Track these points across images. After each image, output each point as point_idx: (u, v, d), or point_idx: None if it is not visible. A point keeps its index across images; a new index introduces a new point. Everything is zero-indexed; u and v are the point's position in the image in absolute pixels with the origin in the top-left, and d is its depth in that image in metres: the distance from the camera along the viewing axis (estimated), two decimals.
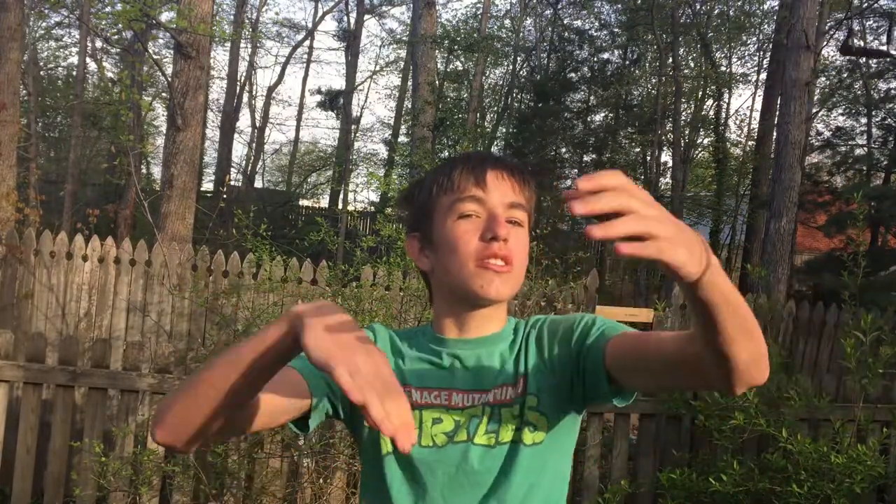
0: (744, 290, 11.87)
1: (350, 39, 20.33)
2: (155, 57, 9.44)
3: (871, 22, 13.56)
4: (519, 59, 15.73)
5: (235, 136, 20.53)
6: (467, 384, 1.15)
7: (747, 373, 0.91)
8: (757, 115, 14.90)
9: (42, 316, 5.70)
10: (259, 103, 23.08)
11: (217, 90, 21.39)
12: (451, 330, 1.19)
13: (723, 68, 14.75)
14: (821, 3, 8.28)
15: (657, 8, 11.90)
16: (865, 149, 13.38)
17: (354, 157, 20.21)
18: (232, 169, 20.07)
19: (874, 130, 13.68)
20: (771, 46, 13.77)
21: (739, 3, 14.00)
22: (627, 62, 15.01)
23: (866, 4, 12.03)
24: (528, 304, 4.98)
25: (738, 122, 18.87)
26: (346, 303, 3.76)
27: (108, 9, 7.45)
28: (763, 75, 14.88)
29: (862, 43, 14.05)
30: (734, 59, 15.38)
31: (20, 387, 3.59)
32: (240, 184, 20.09)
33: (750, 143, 15.21)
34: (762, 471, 3.22)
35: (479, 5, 15.79)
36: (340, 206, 18.48)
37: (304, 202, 22.56)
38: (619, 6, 13.96)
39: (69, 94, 15.77)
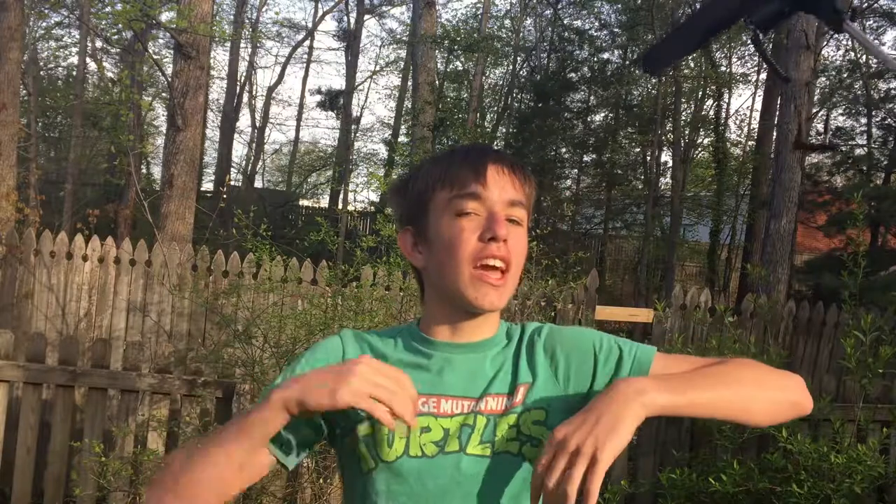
0: (744, 289, 11.89)
1: (350, 39, 20.33)
2: (155, 57, 9.44)
3: (871, 22, 13.55)
4: (519, 59, 15.73)
5: (235, 136, 20.56)
6: (456, 390, 1.10)
7: (778, 419, 1.06)
8: (757, 115, 14.92)
9: (42, 316, 5.70)
10: (259, 103, 23.11)
11: (217, 90, 21.41)
12: (441, 332, 1.14)
13: (723, 68, 14.75)
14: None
15: (657, 8, 11.90)
16: (865, 149, 13.38)
17: (354, 157, 20.21)
18: (232, 169, 20.10)
19: (874, 130, 13.68)
20: (771, 46, 13.77)
21: None
22: (627, 62, 15.00)
23: (866, 4, 12.03)
24: (528, 304, 4.98)
25: (738, 122, 18.89)
26: (346, 303, 3.76)
27: (108, 9, 7.45)
28: (763, 75, 14.89)
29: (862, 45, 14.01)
30: (734, 59, 15.37)
31: (20, 387, 3.59)
32: (240, 184, 20.10)
33: (750, 143, 15.21)
34: (762, 471, 3.22)
35: (479, 5, 15.80)
36: (340, 206, 18.47)
37: (304, 202, 22.58)
38: (619, 6, 13.96)
39: (69, 94, 15.75)
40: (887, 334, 3.38)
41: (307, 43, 23.05)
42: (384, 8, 21.91)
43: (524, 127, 13.91)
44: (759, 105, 14.93)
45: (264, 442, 1.01)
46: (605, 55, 14.96)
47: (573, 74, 14.56)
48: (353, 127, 20.35)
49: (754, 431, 3.29)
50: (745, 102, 50.25)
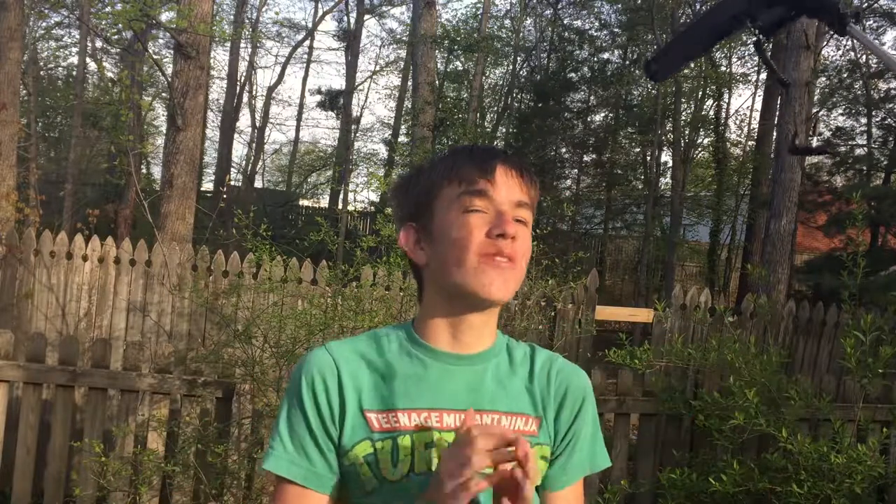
0: (744, 289, 11.89)
1: (350, 39, 20.32)
2: (155, 57, 9.44)
3: (871, 22, 13.55)
4: (519, 59, 15.73)
5: (235, 136, 20.55)
6: (458, 404, 1.08)
7: None
8: (757, 115, 14.92)
9: (42, 316, 5.69)
10: (259, 103, 23.09)
11: (217, 90, 21.42)
12: (441, 338, 1.12)
13: (723, 68, 14.75)
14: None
15: (657, 8, 11.90)
16: (865, 149, 13.39)
17: (354, 157, 20.20)
18: (232, 169, 20.09)
19: (874, 130, 13.68)
20: (771, 46, 13.76)
21: None
22: (627, 62, 15.01)
23: (866, 4, 12.03)
24: (528, 304, 4.98)
25: (738, 122, 18.88)
26: (346, 303, 3.76)
27: (108, 9, 7.46)
28: (763, 75, 14.89)
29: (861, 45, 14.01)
30: (734, 59, 15.38)
31: (20, 387, 3.59)
32: (240, 184, 20.10)
33: (750, 143, 15.21)
34: (762, 471, 3.22)
35: (479, 5, 15.79)
36: (340, 206, 18.47)
37: (304, 202, 22.59)
38: (619, 6, 13.96)
39: (69, 94, 15.76)
40: (887, 334, 3.38)
41: (307, 43, 23.06)
42: (384, 8, 21.91)
43: (524, 127, 13.92)
44: (759, 105, 14.95)
45: None
46: (605, 55, 14.98)
47: (573, 74, 14.56)
48: (353, 127, 20.35)
49: (754, 431, 3.29)
50: (745, 102, 50.28)
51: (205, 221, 8.21)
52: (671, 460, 3.67)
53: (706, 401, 3.55)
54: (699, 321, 5.77)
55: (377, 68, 27.08)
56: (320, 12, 24.41)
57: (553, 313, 5.75)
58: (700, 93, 14.71)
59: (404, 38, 18.97)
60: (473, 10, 18.54)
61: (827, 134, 14.05)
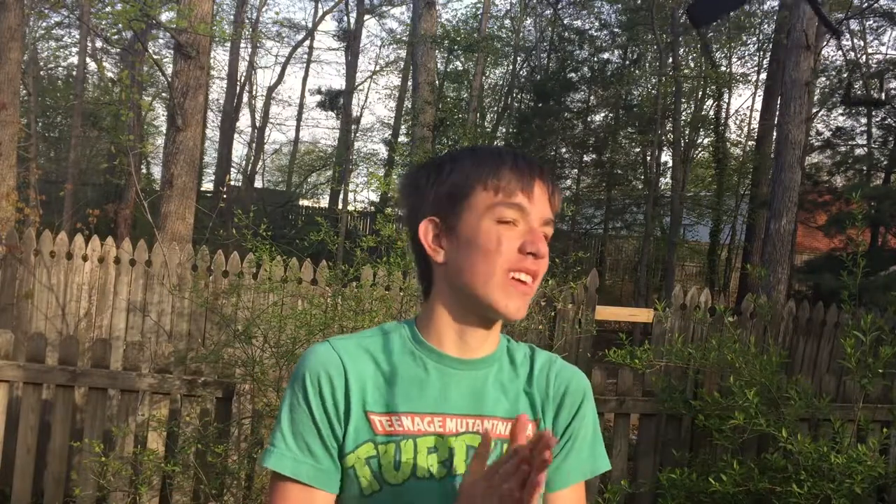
0: (744, 289, 11.89)
1: (350, 39, 20.33)
2: (155, 57, 9.44)
3: (871, 22, 13.55)
4: (519, 59, 15.74)
5: (235, 136, 20.55)
6: (460, 409, 1.08)
7: None
8: (757, 115, 14.93)
9: (42, 316, 5.70)
10: (259, 103, 23.11)
11: (217, 90, 21.43)
12: (447, 342, 1.10)
13: (723, 68, 14.75)
14: (821, 3, 8.24)
15: (657, 8, 11.90)
16: (865, 149, 13.39)
17: (354, 157, 20.20)
18: (232, 169, 20.09)
19: (874, 130, 13.69)
20: (771, 46, 13.78)
21: None
22: (627, 62, 15.01)
23: (866, 4, 12.03)
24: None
25: (738, 122, 18.90)
26: (346, 303, 3.76)
27: (108, 9, 7.44)
28: (763, 75, 14.90)
29: (862, 43, 14.05)
30: (734, 59, 15.40)
31: (20, 387, 3.59)
32: (240, 184, 20.10)
33: (750, 143, 15.22)
34: (762, 471, 3.22)
35: (479, 5, 15.79)
36: (340, 206, 18.48)
37: (304, 202, 22.60)
38: (619, 6, 13.96)
39: (69, 94, 15.76)
40: (887, 334, 3.38)
41: (307, 43, 23.08)
42: (384, 8, 21.93)
43: (524, 127, 13.92)
44: (759, 105, 14.95)
45: None
46: (605, 55, 14.98)
47: (573, 74, 14.57)
48: (353, 127, 20.36)
49: (754, 431, 3.29)
50: (745, 102, 50.25)
51: (205, 221, 8.21)
52: (671, 460, 3.67)
53: (706, 401, 3.55)
54: (699, 321, 5.77)
55: (377, 68, 27.16)
56: (320, 12, 24.52)
57: (553, 313, 5.75)
58: (700, 93, 14.72)
59: (404, 38, 18.97)
60: (473, 10, 18.56)
61: (827, 134, 14.06)
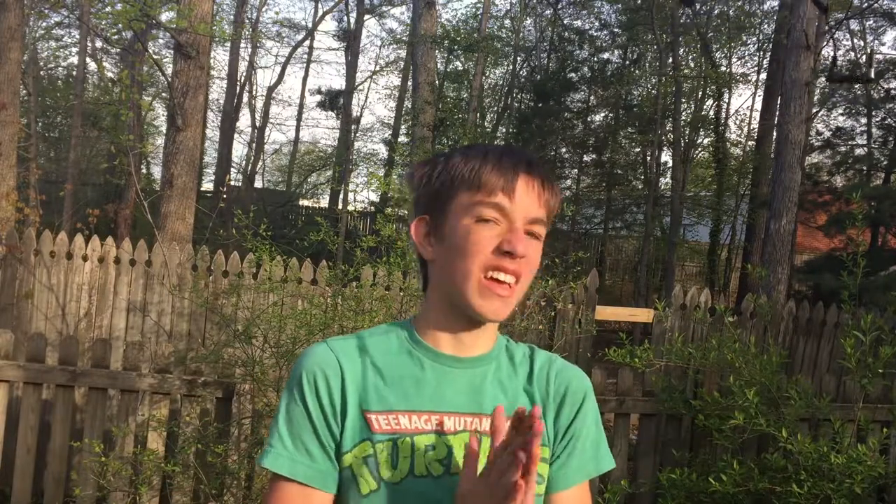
0: (744, 290, 11.89)
1: (350, 39, 20.33)
2: (155, 57, 9.44)
3: (871, 22, 13.55)
4: (519, 59, 15.74)
5: (235, 136, 20.55)
6: (458, 407, 1.08)
7: None
8: (757, 115, 14.93)
9: (42, 316, 5.70)
10: (259, 103, 23.13)
11: (217, 90, 21.44)
12: (443, 340, 1.11)
13: (723, 68, 14.75)
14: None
15: (657, 8, 11.90)
16: (865, 149, 13.39)
17: (354, 157, 20.21)
18: (232, 169, 20.10)
19: (874, 130, 13.69)
20: (771, 46, 13.78)
21: (739, 4, 14.01)
22: (627, 62, 15.02)
23: (866, 4, 12.03)
24: (528, 304, 4.98)
25: (738, 122, 18.90)
26: (346, 303, 3.76)
27: (108, 9, 7.44)
28: (763, 75, 14.90)
29: (862, 43, 14.05)
30: (734, 59, 15.40)
31: (20, 387, 3.59)
32: (240, 184, 20.11)
33: (750, 143, 15.22)
34: (762, 471, 3.22)
35: (479, 5, 15.79)
36: (340, 206, 18.48)
37: (304, 202, 22.61)
38: (619, 6, 13.97)
39: (69, 94, 15.77)
40: (887, 334, 3.38)
41: (307, 43, 23.09)
42: (384, 8, 21.93)
43: (524, 127, 13.91)
44: (759, 105, 14.95)
45: None
46: (605, 55, 14.99)
47: (573, 74, 14.57)
48: (353, 127, 20.36)
49: (754, 431, 3.29)
50: (745, 102, 50.26)
51: (205, 221, 8.20)
52: (671, 460, 3.67)
53: (706, 401, 3.55)
54: (699, 321, 5.78)
55: (377, 68, 27.17)
56: (320, 12, 24.53)
57: (553, 313, 5.75)
58: (700, 93, 14.73)
59: (404, 38, 18.98)
60: (473, 10, 18.57)
61: (827, 134, 14.07)
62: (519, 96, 15.93)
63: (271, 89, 22.60)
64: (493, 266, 1.04)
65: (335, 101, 21.51)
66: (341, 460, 1.06)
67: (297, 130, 27.18)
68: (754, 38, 15.09)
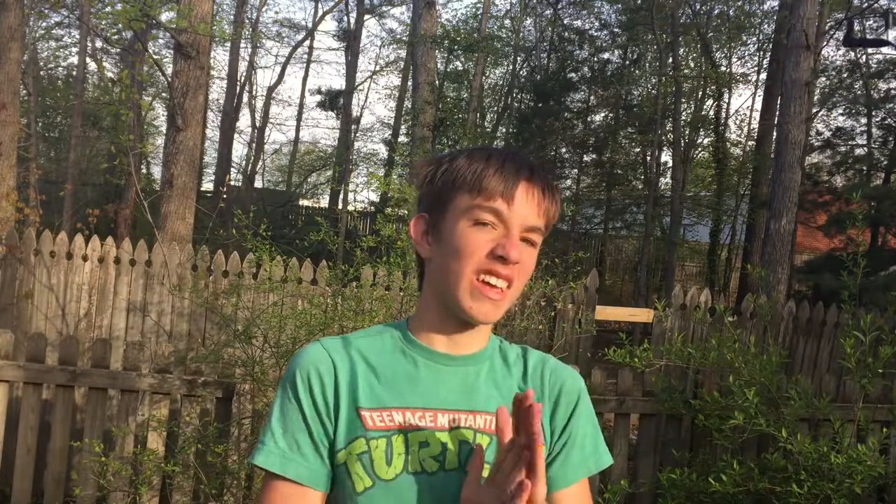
0: (744, 290, 11.89)
1: (350, 39, 20.34)
2: (155, 57, 9.44)
3: (871, 22, 13.55)
4: (519, 59, 15.73)
5: (235, 136, 20.55)
6: (451, 404, 1.09)
7: None
8: (757, 115, 14.93)
9: (42, 316, 5.70)
10: (259, 103, 23.13)
11: (217, 90, 21.44)
12: (436, 339, 1.12)
13: (723, 68, 14.75)
14: (821, 3, 8.29)
15: (657, 8, 11.90)
16: (865, 149, 13.39)
17: (354, 157, 20.21)
18: (232, 169, 20.10)
19: (874, 130, 13.69)
20: (771, 46, 13.78)
21: (739, 3, 14.01)
22: (627, 62, 15.01)
23: (866, 4, 12.03)
24: (528, 304, 4.98)
25: (738, 122, 18.91)
26: (346, 303, 3.76)
27: (108, 9, 7.44)
28: (763, 75, 14.90)
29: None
30: (734, 59, 15.40)
31: (20, 387, 3.59)
32: (240, 184, 20.11)
33: (750, 143, 15.22)
34: (762, 471, 3.22)
35: (479, 5, 15.80)
36: (340, 206, 18.48)
37: (304, 202, 22.61)
38: (619, 6, 13.96)
39: (69, 94, 15.77)
40: (887, 334, 3.38)
41: (307, 43, 23.09)
42: (384, 8, 21.93)
43: (524, 127, 13.91)
44: (759, 105, 14.95)
45: None
46: (605, 55, 14.99)
47: (573, 74, 14.57)
48: (353, 127, 20.36)
49: (754, 431, 3.29)
50: (745, 102, 50.24)
51: (205, 221, 8.20)
52: (671, 460, 3.67)
53: (706, 401, 3.55)
54: (699, 321, 5.78)
55: (377, 68, 27.17)
56: (320, 12, 24.53)
57: (553, 313, 5.75)
58: (700, 93, 14.73)
59: (404, 38, 18.98)
60: (473, 10, 18.56)
61: (827, 134, 14.07)
62: (519, 96, 15.93)
63: (271, 89, 22.61)
64: (486, 270, 1.05)
65: (335, 101, 21.51)
66: (335, 458, 1.07)
67: (297, 130, 27.23)
68: (754, 38, 15.10)
